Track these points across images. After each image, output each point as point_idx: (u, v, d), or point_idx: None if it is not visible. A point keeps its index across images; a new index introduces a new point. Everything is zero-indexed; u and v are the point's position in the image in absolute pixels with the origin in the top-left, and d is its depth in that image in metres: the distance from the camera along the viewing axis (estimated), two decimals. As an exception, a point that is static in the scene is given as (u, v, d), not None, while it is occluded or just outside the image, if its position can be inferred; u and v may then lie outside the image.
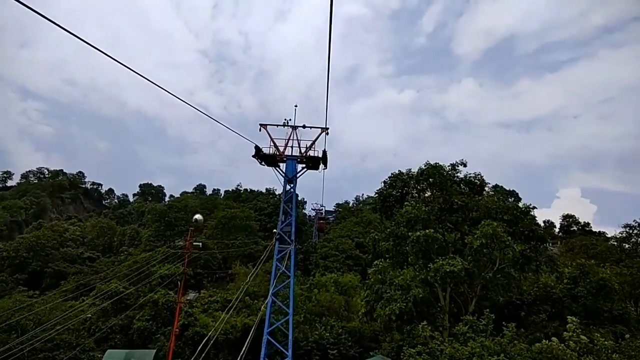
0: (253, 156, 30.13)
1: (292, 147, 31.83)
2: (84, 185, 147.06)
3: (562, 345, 16.65)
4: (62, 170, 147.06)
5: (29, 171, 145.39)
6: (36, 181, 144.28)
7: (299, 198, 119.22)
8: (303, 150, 31.56)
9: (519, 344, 19.31)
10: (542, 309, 31.80)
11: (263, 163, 31.61)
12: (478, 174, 28.06)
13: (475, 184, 27.86)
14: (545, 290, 28.67)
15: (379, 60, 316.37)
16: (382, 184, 29.27)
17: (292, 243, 28.72)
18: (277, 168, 31.81)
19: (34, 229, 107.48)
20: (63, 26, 6.65)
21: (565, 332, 17.49)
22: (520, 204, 26.50)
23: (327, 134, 31.27)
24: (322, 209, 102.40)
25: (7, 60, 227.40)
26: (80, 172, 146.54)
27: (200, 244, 29.19)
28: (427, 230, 23.96)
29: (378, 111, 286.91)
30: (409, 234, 24.49)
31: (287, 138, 31.86)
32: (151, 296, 37.28)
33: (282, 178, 31.52)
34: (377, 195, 29.18)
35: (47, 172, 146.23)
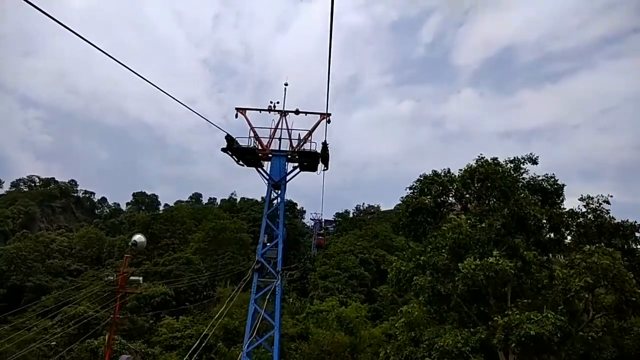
0: (224, 150, 20.50)
1: (280, 139, 22.26)
2: (76, 194, 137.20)
3: None
4: (53, 178, 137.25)
5: (20, 179, 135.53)
6: (27, 189, 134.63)
7: (298, 207, 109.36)
8: (295, 142, 22.02)
9: None
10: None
11: (241, 162, 21.98)
12: (551, 177, 18.43)
13: (547, 191, 18.23)
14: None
15: (379, 70, 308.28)
16: (409, 191, 19.56)
17: (277, 276, 18.96)
18: (260, 168, 22.23)
19: (16, 239, 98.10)
20: (80, 34, 6.61)
21: None
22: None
23: (329, 121, 21.65)
24: (321, 220, 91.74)
25: (9, 69, 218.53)
26: (72, 180, 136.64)
27: (141, 278, 19.29)
28: (489, 260, 14.27)
29: (378, 120, 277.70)
30: (459, 265, 14.78)
31: (274, 127, 22.32)
32: (89, 342, 27.19)
33: (268, 182, 21.93)
34: (402, 204, 19.44)
35: (38, 180, 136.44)
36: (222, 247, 61.33)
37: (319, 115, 22.32)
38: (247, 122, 21.84)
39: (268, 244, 20.17)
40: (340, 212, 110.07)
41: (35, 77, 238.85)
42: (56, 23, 5.85)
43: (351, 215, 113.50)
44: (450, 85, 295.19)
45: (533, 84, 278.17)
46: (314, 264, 60.21)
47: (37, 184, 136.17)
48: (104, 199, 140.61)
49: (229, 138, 19.85)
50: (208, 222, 65.35)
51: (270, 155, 21.51)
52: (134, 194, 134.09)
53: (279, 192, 21.21)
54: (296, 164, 21.62)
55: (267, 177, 21.22)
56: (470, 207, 18.49)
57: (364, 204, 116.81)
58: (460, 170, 19.44)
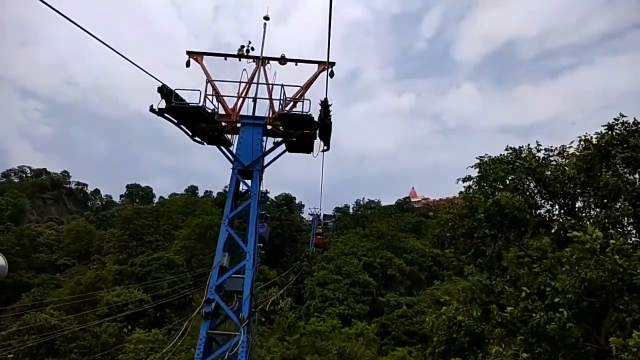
0: (157, 112, 12.02)
1: (255, 99, 13.84)
2: (68, 185, 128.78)
3: None
4: (45, 169, 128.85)
5: (10, 170, 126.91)
6: (17, 180, 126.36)
7: (296, 201, 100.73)
8: (278, 105, 13.66)
9: None
10: None
11: (197, 139, 13.57)
12: None
13: None
14: None
15: (379, 64, 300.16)
16: (463, 184, 11.19)
17: (240, 328, 10.62)
18: (223, 146, 13.83)
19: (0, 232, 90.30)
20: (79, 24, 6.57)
21: None
22: None
23: (332, 74, 13.17)
24: (319, 215, 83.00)
25: (8, 60, 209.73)
26: (65, 171, 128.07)
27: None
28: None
29: (377, 115, 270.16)
30: (611, 341, 6.54)
31: (246, 81, 13.90)
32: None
33: (233, 167, 13.59)
34: (461, 202, 11.03)
35: (29, 171, 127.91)
36: (209, 246, 53.06)
37: (316, 66, 13.97)
38: (203, 72, 13.45)
39: (230, 270, 11.88)
40: (339, 206, 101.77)
41: (33, 68, 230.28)
42: (54, 12, 5.50)
43: (351, 210, 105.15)
44: (450, 79, 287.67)
45: (532, 79, 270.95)
46: (311, 264, 52.02)
47: (28, 175, 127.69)
48: (97, 191, 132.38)
49: (164, 91, 11.30)
50: (194, 218, 57.03)
51: (238, 125, 13.09)
52: (127, 186, 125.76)
53: (251, 183, 12.82)
54: (280, 139, 13.18)
55: (232, 159, 12.81)
56: (581, 213, 10.17)
57: (364, 198, 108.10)
58: (553, 148, 11.09)
